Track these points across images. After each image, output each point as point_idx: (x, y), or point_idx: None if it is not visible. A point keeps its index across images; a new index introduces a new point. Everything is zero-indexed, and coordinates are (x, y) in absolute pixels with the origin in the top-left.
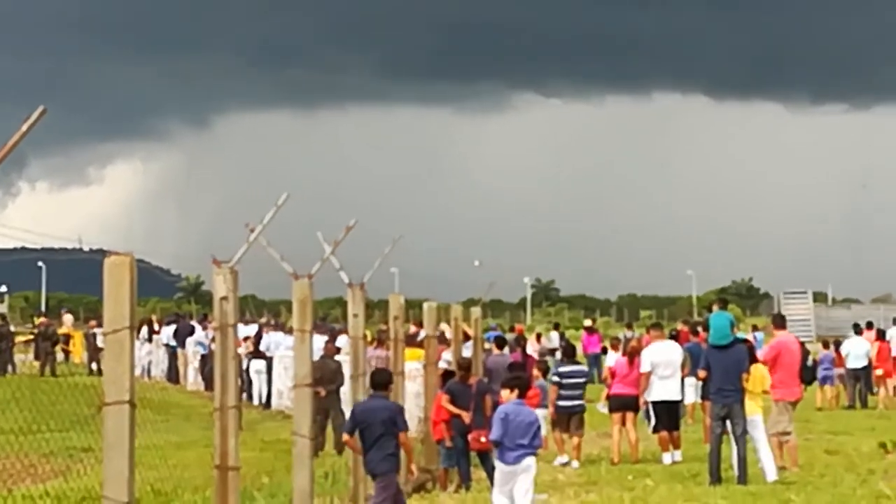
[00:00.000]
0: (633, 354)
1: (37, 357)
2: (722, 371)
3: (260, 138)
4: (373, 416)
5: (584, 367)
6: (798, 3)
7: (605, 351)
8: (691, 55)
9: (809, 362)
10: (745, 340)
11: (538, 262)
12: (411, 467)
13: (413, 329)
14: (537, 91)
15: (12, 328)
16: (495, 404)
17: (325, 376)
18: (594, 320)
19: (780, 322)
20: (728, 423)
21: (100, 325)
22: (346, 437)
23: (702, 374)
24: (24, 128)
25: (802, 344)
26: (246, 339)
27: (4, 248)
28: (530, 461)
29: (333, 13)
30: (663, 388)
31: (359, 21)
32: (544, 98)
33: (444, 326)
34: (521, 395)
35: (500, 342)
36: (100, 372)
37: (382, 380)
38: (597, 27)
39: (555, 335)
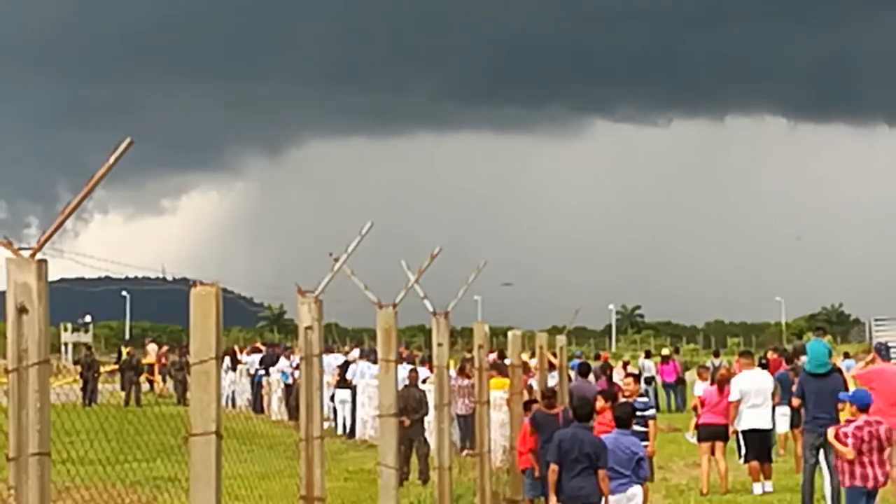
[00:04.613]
0: (722, 383)
1: (122, 387)
2: (818, 400)
3: (334, 166)
4: (580, 447)
5: (645, 400)
6: (871, 23)
7: (680, 381)
8: (763, 77)
9: None
10: (839, 369)
11: (622, 289)
12: None
13: (492, 358)
14: (606, 116)
15: (97, 358)
16: None
17: (410, 405)
18: (677, 349)
19: (884, 353)
20: (822, 452)
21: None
22: (553, 466)
23: (796, 402)
24: (112, 160)
25: None
26: (344, 364)
27: (89, 277)
28: (635, 490)
29: (400, 38)
30: (754, 417)
31: (426, 46)
32: (613, 123)
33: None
34: (624, 426)
35: (584, 369)
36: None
37: (585, 412)
38: (666, 50)
39: (649, 363)
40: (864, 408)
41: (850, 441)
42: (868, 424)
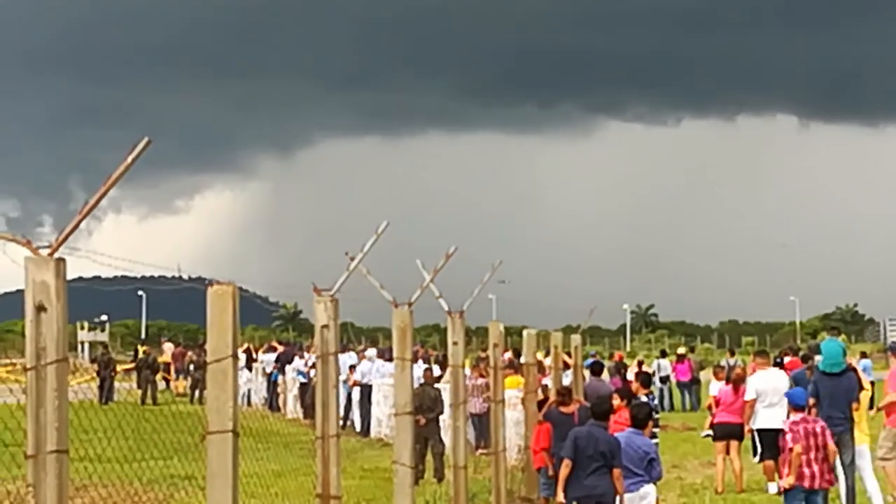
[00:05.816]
0: (737, 382)
1: (139, 385)
2: (832, 399)
3: (347, 166)
4: (594, 445)
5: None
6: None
7: (695, 381)
8: (775, 77)
9: None
10: (853, 368)
11: (636, 288)
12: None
13: (507, 357)
14: (616, 117)
15: (113, 356)
16: None
17: (425, 404)
18: (692, 348)
19: None
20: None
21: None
22: (567, 461)
23: (810, 401)
24: (129, 159)
25: None
26: (352, 367)
27: (105, 276)
28: (648, 489)
29: (413, 39)
30: (769, 416)
31: (439, 46)
32: (624, 123)
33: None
34: (638, 426)
35: (597, 368)
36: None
37: (603, 410)
38: (678, 51)
39: (664, 362)
40: (797, 407)
41: (788, 437)
42: (804, 421)
